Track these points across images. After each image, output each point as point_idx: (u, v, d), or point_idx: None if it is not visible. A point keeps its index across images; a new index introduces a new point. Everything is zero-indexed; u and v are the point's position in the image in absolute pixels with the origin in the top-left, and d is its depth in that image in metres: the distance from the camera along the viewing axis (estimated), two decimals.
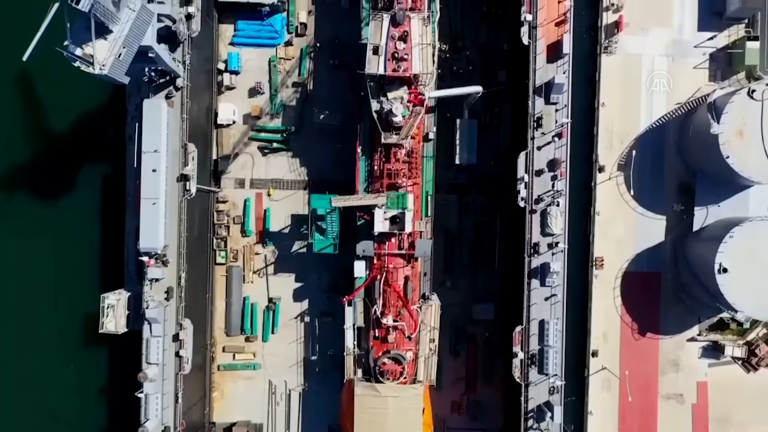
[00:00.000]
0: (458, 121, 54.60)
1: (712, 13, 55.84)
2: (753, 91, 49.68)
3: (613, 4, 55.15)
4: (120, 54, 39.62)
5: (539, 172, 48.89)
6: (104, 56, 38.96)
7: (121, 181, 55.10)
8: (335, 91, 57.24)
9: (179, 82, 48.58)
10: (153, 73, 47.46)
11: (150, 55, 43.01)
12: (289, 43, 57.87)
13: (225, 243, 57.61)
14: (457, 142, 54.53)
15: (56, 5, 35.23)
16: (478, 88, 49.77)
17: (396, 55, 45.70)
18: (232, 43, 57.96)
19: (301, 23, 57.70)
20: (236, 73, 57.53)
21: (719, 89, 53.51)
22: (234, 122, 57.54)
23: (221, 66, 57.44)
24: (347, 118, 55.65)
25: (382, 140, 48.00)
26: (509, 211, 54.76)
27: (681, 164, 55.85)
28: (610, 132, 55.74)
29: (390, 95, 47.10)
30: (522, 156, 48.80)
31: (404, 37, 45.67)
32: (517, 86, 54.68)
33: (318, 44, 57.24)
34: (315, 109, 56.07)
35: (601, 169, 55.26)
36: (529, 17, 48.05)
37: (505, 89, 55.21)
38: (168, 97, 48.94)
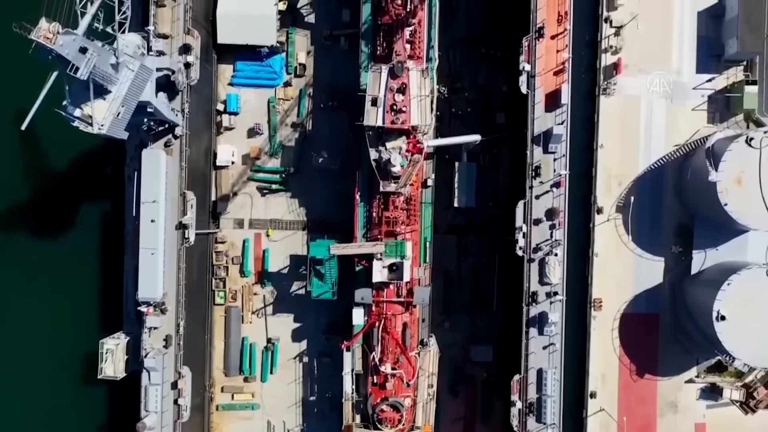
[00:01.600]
0: (457, 164, 54.72)
1: (710, 56, 55.95)
2: (751, 138, 49.76)
3: (612, 47, 55.21)
4: (119, 113, 39.64)
5: (537, 221, 48.95)
6: (103, 116, 39.09)
7: (120, 220, 55.31)
8: (334, 132, 57.36)
9: (178, 130, 48.68)
10: (152, 122, 47.48)
11: (149, 109, 43.00)
12: (288, 84, 57.91)
13: (224, 283, 57.66)
14: (456, 185, 54.71)
15: (55, 73, 35.23)
16: (477, 137, 49.86)
17: (394, 106, 45.76)
18: (231, 84, 58.00)
19: (300, 64, 57.77)
20: (235, 113, 57.54)
21: (718, 132, 53.63)
22: (233, 163, 57.55)
23: (220, 107, 57.47)
24: (346, 160, 55.74)
25: (381, 188, 48.05)
26: (508, 252, 54.78)
27: (679, 206, 55.92)
28: (608, 173, 55.78)
29: (388, 145, 47.13)
30: (520, 205, 48.87)
31: (403, 89, 45.72)
32: (516, 127, 54.76)
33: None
34: (313, 153, 56.13)
35: (599, 211, 55.36)
36: (528, 67, 48.05)
37: (503, 136, 55.15)
38: (167, 145, 49.00)
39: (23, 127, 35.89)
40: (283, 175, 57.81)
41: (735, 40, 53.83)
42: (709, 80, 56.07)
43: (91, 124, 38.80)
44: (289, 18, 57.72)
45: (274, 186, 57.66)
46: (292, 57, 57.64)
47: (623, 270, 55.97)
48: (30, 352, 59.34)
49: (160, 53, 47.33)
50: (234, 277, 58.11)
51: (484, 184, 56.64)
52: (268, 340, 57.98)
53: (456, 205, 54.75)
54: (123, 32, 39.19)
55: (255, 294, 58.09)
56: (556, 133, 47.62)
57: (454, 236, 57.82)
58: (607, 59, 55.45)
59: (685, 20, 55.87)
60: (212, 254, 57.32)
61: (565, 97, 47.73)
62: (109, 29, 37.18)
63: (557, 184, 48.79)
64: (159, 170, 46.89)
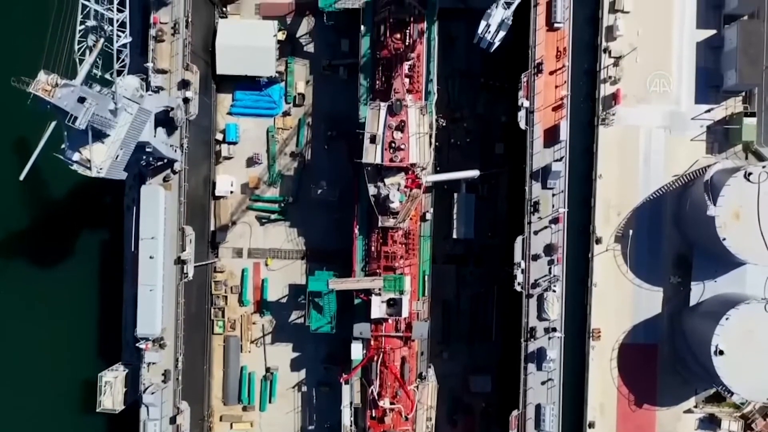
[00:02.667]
0: (456, 195, 54.79)
1: (709, 86, 55.86)
2: (749, 173, 49.72)
3: (610, 77, 55.15)
4: (117, 156, 39.69)
5: (536, 257, 48.96)
6: (101, 159, 39.17)
7: (119, 248, 55.43)
8: (333, 162, 57.48)
9: (177, 165, 48.77)
10: (151, 158, 47.50)
11: (147, 149, 43.04)
12: (287, 113, 58.00)
13: (222, 313, 57.73)
14: (455, 216, 54.80)
15: (53, 123, 35.27)
16: (475, 173, 49.97)
17: (393, 144, 45.80)
18: (230, 113, 58.10)
19: (299, 93, 57.90)
20: (234, 143, 57.60)
21: (717, 163, 53.62)
22: (231, 192, 57.60)
23: (219, 136, 57.53)
24: (345, 190, 55.78)
25: (380, 224, 48.08)
26: (507, 282, 54.86)
27: (678, 236, 55.83)
28: (607, 204, 55.69)
29: (387, 181, 47.20)
30: (519, 241, 48.89)
31: (401, 127, 45.76)
32: (515, 159, 54.79)
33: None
34: (312, 186, 56.10)
35: (598, 241, 55.27)
36: (526, 103, 48.08)
37: (502, 171, 55.18)
38: (165, 179, 49.03)
39: (22, 177, 35.94)
40: (282, 205, 57.89)
41: (734, 72, 53.75)
42: (708, 111, 56.01)
43: (89, 168, 38.71)
44: (289, 47, 57.84)
45: (273, 216, 57.66)
46: (291, 86, 57.74)
47: (622, 300, 55.85)
48: (29, 380, 59.37)
49: (159, 89, 47.38)
50: (233, 306, 58.21)
51: (483, 214, 56.69)
52: (267, 370, 58.05)
53: (455, 236, 54.80)
54: (122, 75, 39.11)
55: (254, 323, 58.22)
56: (554, 170, 47.66)
57: (453, 266, 57.81)
58: (605, 89, 55.43)
59: (684, 51, 55.84)
60: (211, 284, 57.35)
61: (564, 134, 47.78)
62: (107, 76, 37.13)
63: (556, 220, 48.75)
64: (158, 207, 46.96)
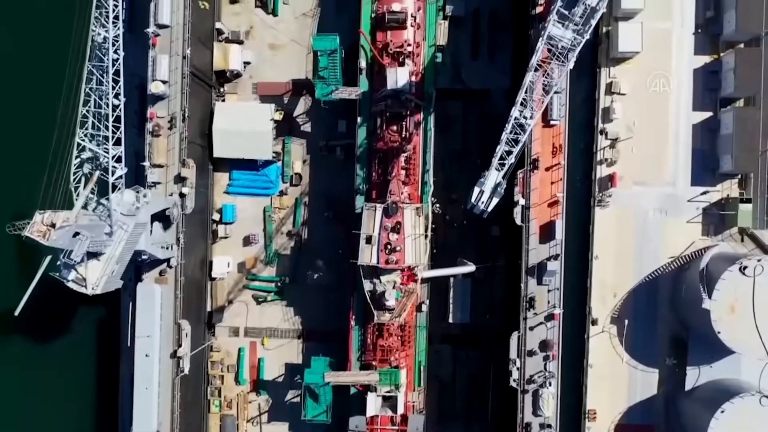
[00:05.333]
0: (452, 280, 54.74)
1: (705, 169, 55.94)
2: (745, 267, 49.79)
3: (607, 159, 55.26)
4: (113, 271, 39.72)
5: (531, 353, 49.05)
6: (97, 277, 39.30)
7: (116, 325, 55.47)
8: (330, 242, 57.45)
9: (173, 261, 48.73)
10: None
11: (143, 256, 43.11)
12: (283, 193, 58.09)
13: (219, 392, 57.80)
14: (451, 300, 54.77)
15: (48, 258, 35.38)
16: (471, 268, 50.13)
17: (389, 245, 45.89)
18: (227, 192, 58.15)
19: (296, 173, 57.95)
20: (231, 223, 57.69)
21: (714, 247, 53.70)
22: (228, 273, 57.68)
23: (216, 216, 57.59)
24: (341, 271, 55.79)
25: (375, 319, 48.16)
26: (503, 363, 54.92)
27: (674, 318, 55.87)
28: (603, 285, 55.76)
29: (383, 278, 47.38)
30: (514, 337, 48.99)
31: (397, 229, 45.85)
32: (510, 239, 54.87)
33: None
34: (309, 271, 56.19)
35: (594, 322, 55.35)
36: (522, 201, 48.17)
37: (499, 265, 55.25)
38: (161, 273, 49.06)
39: (17, 313, 36.00)
40: (279, 285, 57.96)
41: (729, 158, 53.93)
42: (704, 193, 56.10)
43: (85, 285, 38.80)
44: (286, 127, 57.90)
45: (270, 297, 57.75)
46: (288, 166, 57.86)
47: (618, 381, 55.92)
48: None
49: (156, 184, 47.44)
50: (229, 385, 58.26)
51: (480, 296, 56.68)
52: None
53: (450, 321, 54.88)
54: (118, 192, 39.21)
55: (250, 402, 58.29)
56: (550, 269, 47.74)
57: (449, 346, 57.87)
58: (602, 171, 55.54)
59: (680, 133, 55.90)
60: (208, 363, 57.41)
61: (559, 234, 47.85)
62: (104, 201, 37.25)
63: (551, 317, 48.86)
64: (154, 305, 47.04)
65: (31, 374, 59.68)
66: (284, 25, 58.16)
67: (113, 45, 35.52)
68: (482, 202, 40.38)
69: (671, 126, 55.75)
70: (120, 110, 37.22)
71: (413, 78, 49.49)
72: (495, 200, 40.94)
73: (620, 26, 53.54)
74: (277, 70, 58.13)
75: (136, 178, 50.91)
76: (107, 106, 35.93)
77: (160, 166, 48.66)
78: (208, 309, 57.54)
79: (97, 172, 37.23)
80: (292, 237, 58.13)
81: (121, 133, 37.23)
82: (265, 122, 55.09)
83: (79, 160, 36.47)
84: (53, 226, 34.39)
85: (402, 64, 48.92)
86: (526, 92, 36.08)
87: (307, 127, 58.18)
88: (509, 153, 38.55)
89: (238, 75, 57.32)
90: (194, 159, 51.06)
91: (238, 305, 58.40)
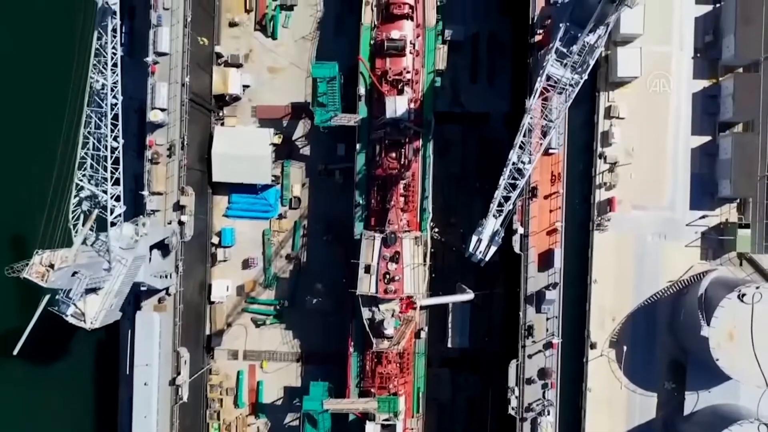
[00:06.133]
0: (451, 305, 54.70)
1: (704, 193, 55.92)
2: (743, 294, 49.80)
3: (606, 183, 55.24)
4: (112, 305, 39.73)
5: (530, 381, 49.06)
6: (96, 311, 39.26)
7: (116, 348, 55.43)
8: (329, 265, 57.46)
9: (171, 288, 48.73)
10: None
11: (142, 288, 43.12)
12: (282, 216, 58.09)
13: (218, 415, 57.80)
14: (450, 325, 54.84)
15: (47, 297, 35.40)
16: (470, 296, 50.12)
17: (387, 275, 45.89)
18: (226, 215, 58.15)
19: (294, 197, 57.94)
20: (230, 246, 57.71)
21: (712, 271, 53.74)
22: (227, 296, 57.72)
23: (215, 239, 57.58)
24: (340, 294, 55.79)
25: (374, 348, 48.18)
26: (502, 386, 54.93)
27: (672, 342, 55.89)
28: (602, 309, 55.73)
29: (382, 307, 47.45)
30: (512, 365, 49.00)
31: (396, 258, 45.86)
32: (508, 263, 54.83)
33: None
34: (308, 297, 56.22)
35: (593, 346, 55.32)
36: (521, 229, 48.19)
37: (497, 293, 55.24)
38: (160, 301, 49.07)
39: (15, 352, 36.00)
40: (278, 308, 57.96)
41: (728, 183, 53.93)
42: (703, 217, 56.09)
43: (83, 320, 38.80)
44: (285, 150, 57.91)
45: (269, 321, 57.77)
46: (287, 190, 57.88)
47: (616, 405, 55.91)
48: None
49: (154, 212, 47.46)
50: (228, 409, 58.27)
51: (479, 320, 56.69)
52: None
53: (449, 345, 54.93)
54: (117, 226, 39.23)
55: (249, 425, 58.30)
56: (548, 298, 47.78)
57: (448, 369, 57.88)
58: (601, 195, 55.53)
59: (678, 157, 55.90)
60: (206, 386, 57.41)
61: (558, 262, 47.86)
62: (103, 238, 37.26)
63: (549, 345, 48.88)
64: (153, 333, 47.05)
65: (29, 396, 59.56)
66: (283, 49, 58.21)
67: (112, 91, 35.56)
68: (480, 252, 40.23)
69: (670, 150, 55.92)
70: (119, 152, 37.26)
71: (412, 105, 49.49)
72: (493, 249, 40.86)
73: (619, 51, 53.62)
74: (276, 93, 58.18)
75: (135, 202, 51.10)
76: (106, 148, 35.95)
77: (159, 193, 48.65)
78: (207, 332, 57.51)
79: (96, 211, 37.25)
80: (291, 260, 58.10)
81: (119, 173, 37.27)
82: (264, 147, 55.11)
83: (77, 198, 36.52)
84: (52, 266, 34.46)
85: (401, 92, 48.92)
86: (524, 135, 36.02)
87: (306, 151, 58.19)
88: (507, 199, 38.45)
89: (237, 98, 57.32)
90: (193, 184, 51.21)
91: (237, 328, 58.40)
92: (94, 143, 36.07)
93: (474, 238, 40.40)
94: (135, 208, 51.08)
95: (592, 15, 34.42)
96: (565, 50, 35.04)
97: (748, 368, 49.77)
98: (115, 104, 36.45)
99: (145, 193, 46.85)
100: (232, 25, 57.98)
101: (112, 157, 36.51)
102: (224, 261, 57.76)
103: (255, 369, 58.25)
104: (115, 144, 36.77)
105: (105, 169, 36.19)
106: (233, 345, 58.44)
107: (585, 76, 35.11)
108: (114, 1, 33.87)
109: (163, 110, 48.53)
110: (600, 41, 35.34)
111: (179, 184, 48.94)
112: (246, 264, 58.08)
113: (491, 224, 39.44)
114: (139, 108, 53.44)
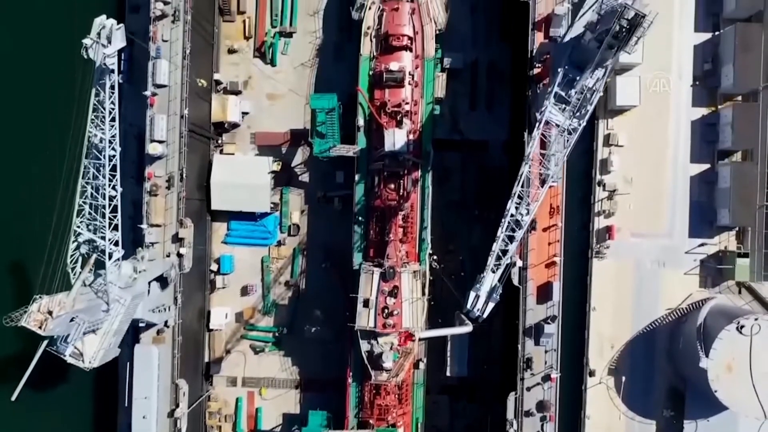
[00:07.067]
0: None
1: (703, 221, 55.96)
2: (742, 326, 49.84)
3: (604, 210, 55.26)
4: (110, 344, 39.71)
5: (528, 413, 49.05)
6: (94, 350, 39.18)
7: (114, 376, 55.35)
8: (327, 292, 57.43)
9: (170, 321, 48.71)
10: None
11: (140, 324, 43.11)
12: (281, 243, 58.05)
13: None
14: (448, 354, 54.78)
15: (45, 343, 35.38)
16: (469, 328, 49.84)
17: (386, 309, 45.89)
18: (225, 242, 58.10)
19: (293, 224, 57.93)
20: (228, 273, 57.72)
21: (711, 299, 53.74)
22: (226, 323, 57.70)
23: (214, 266, 57.56)
24: (339, 325, 55.69)
25: (372, 380, 48.16)
26: (501, 413, 54.93)
27: (671, 370, 55.96)
28: (600, 336, 55.82)
29: (380, 340, 47.34)
30: (511, 398, 48.98)
31: (394, 293, 45.84)
32: (507, 291, 54.74)
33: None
34: (306, 326, 56.23)
35: (591, 374, 55.41)
36: (520, 262, 48.17)
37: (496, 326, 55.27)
38: (159, 333, 49.05)
39: (13, 398, 35.98)
40: (277, 335, 57.95)
41: (727, 211, 53.95)
42: (702, 245, 56.10)
43: (82, 360, 38.78)
44: (284, 177, 57.88)
45: (268, 348, 57.75)
46: (286, 217, 57.86)
47: None
48: None
49: (153, 244, 47.43)
50: None
51: (478, 348, 56.65)
52: None
53: (448, 374, 54.87)
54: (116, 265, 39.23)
55: None
56: (547, 332, 47.79)
57: (446, 396, 57.86)
58: (599, 222, 55.57)
59: (677, 185, 55.90)
60: (205, 414, 57.40)
61: (557, 295, 47.86)
62: (102, 281, 37.26)
63: (548, 377, 48.88)
64: (151, 367, 46.99)
65: (28, 422, 59.42)
66: (283, 75, 58.19)
67: (110, 143, 35.57)
68: (478, 309, 40.06)
69: (669, 177, 55.92)
70: (117, 200, 37.29)
71: (411, 136, 49.48)
72: (491, 305, 40.64)
73: (618, 80, 53.64)
74: (275, 119, 58.14)
75: (133, 229, 51.07)
76: (104, 197, 35.99)
77: (157, 225, 48.63)
78: (206, 359, 57.46)
79: (94, 255, 37.25)
80: (289, 287, 58.11)
81: (118, 220, 37.29)
82: (263, 175, 55.10)
83: (76, 243, 36.54)
84: (50, 312, 34.44)
85: (400, 123, 48.90)
86: (521, 186, 35.98)
87: (305, 178, 58.17)
88: (505, 252, 38.31)
89: (236, 125, 57.30)
90: (192, 212, 51.19)
91: (236, 355, 58.39)
92: (92, 192, 36.08)
93: (472, 295, 40.17)
94: (133, 234, 51.17)
95: (591, 58, 34.40)
96: (563, 93, 34.97)
97: (747, 400, 49.83)
98: (113, 156, 36.45)
99: (144, 225, 46.79)
100: (231, 51, 57.97)
101: (110, 205, 36.51)
102: (223, 288, 57.74)
103: (254, 396, 58.24)
104: (113, 193, 36.76)
105: (103, 216, 36.20)
106: (232, 372, 58.42)
107: (584, 122, 35.06)
108: (112, 62, 34.02)
109: (161, 142, 48.48)
110: (599, 84, 35.30)
111: (178, 216, 48.92)
112: (245, 291, 58.07)
113: (489, 279, 39.34)
114: (139, 134, 53.54)
